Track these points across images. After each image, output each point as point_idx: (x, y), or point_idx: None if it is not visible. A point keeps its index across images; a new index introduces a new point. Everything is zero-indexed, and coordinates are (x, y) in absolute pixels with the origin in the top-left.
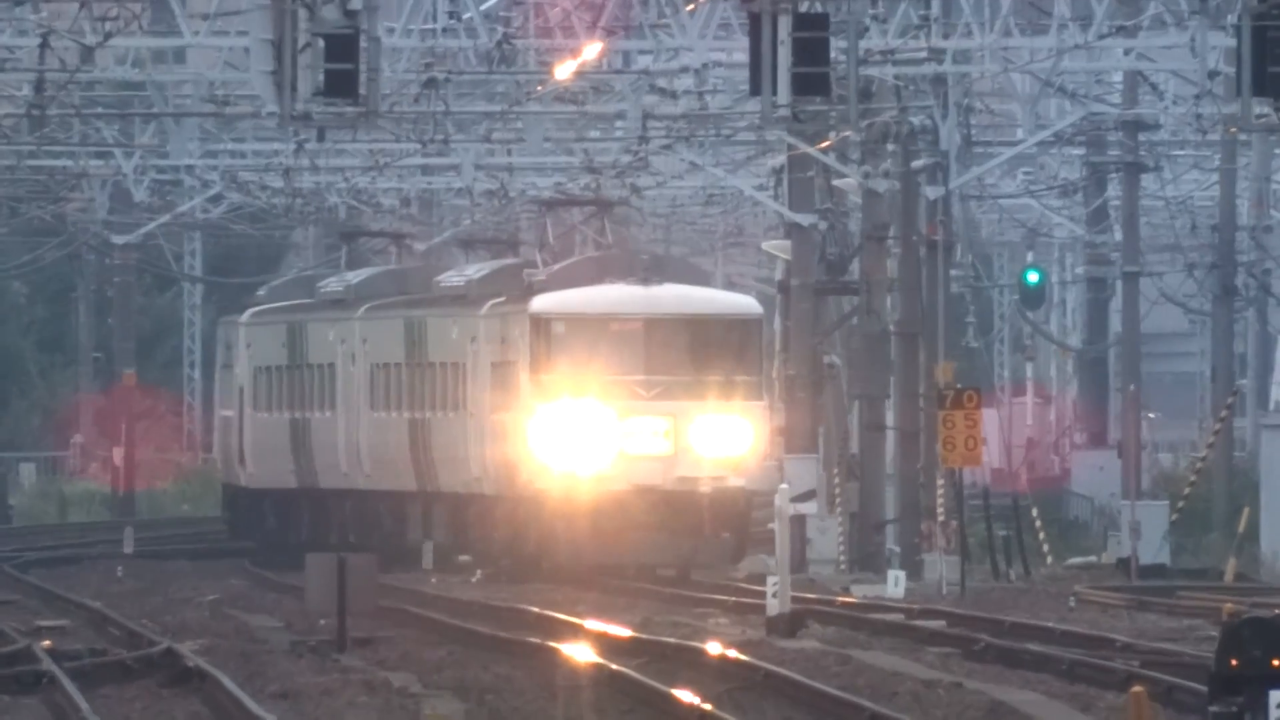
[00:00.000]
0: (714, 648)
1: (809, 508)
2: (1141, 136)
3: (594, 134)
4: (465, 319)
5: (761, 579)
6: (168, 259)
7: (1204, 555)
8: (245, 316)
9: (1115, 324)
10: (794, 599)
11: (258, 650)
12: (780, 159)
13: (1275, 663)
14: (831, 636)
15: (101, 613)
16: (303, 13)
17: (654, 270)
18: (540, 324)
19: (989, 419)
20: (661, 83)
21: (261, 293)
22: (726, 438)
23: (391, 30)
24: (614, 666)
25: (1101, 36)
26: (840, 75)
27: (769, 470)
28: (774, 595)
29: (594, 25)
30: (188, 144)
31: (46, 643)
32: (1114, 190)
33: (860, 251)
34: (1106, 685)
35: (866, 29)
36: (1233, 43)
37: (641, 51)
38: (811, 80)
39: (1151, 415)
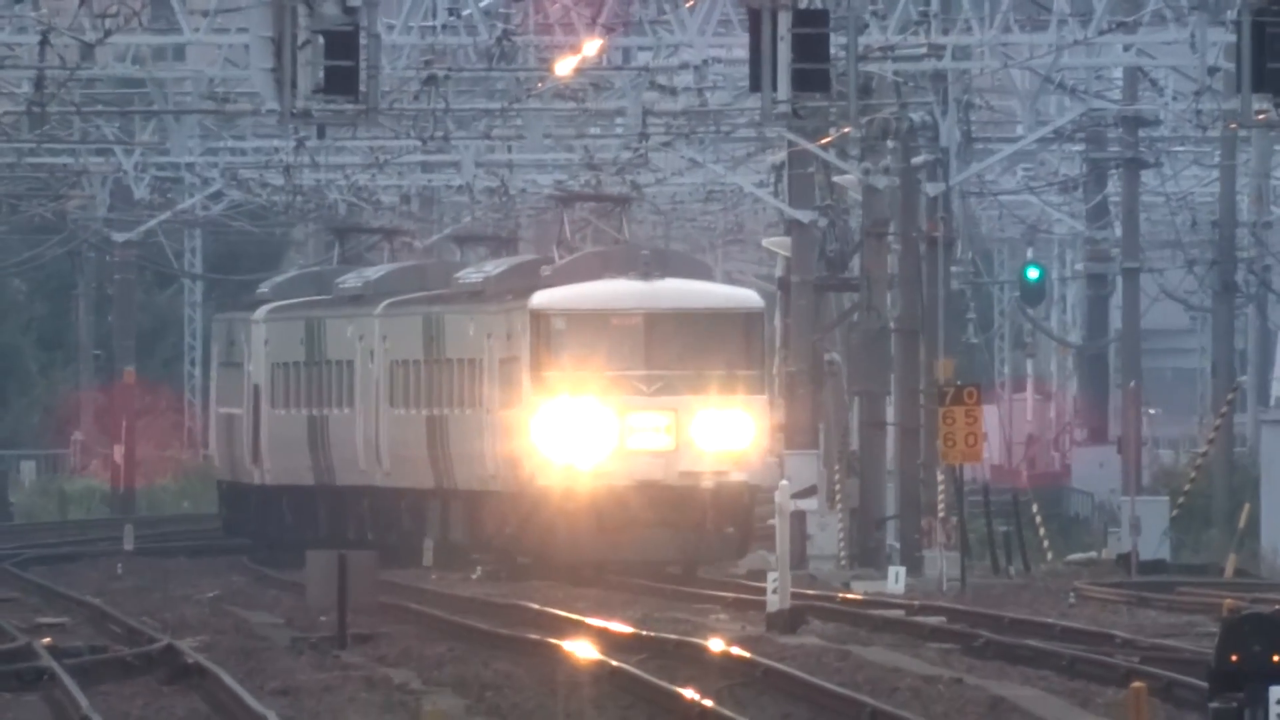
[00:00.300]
0: (714, 644)
1: (809, 504)
2: (1141, 132)
3: (594, 131)
4: (480, 316)
5: (762, 575)
6: (168, 256)
7: (1204, 551)
8: (262, 313)
9: (1115, 320)
10: (794, 595)
11: (258, 647)
12: (780, 155)
13: (1276, 658)
14: (832, 633)
15: (101, 610)
16: (302, 9)
17: (655, 265)
18: (540, 320)
19: (989, 415)
20: (661, 79)
21: (265, 290)
22: (728, 432)
23: (391, 27)
24: (614, 663)
25: (1101, 32)
26: (840, 71)
27: (771, 465)
28: (774, 591)
29: (594, 22)
30: (188, 141)
31: (47, 640)
32: (1114, 186)
33: (860, 248)
34: (1106, 681)
35: (866, 25)
36: (1232, 38)
37: (641, 48)
38: (811, 76)
39: (1152, 411)
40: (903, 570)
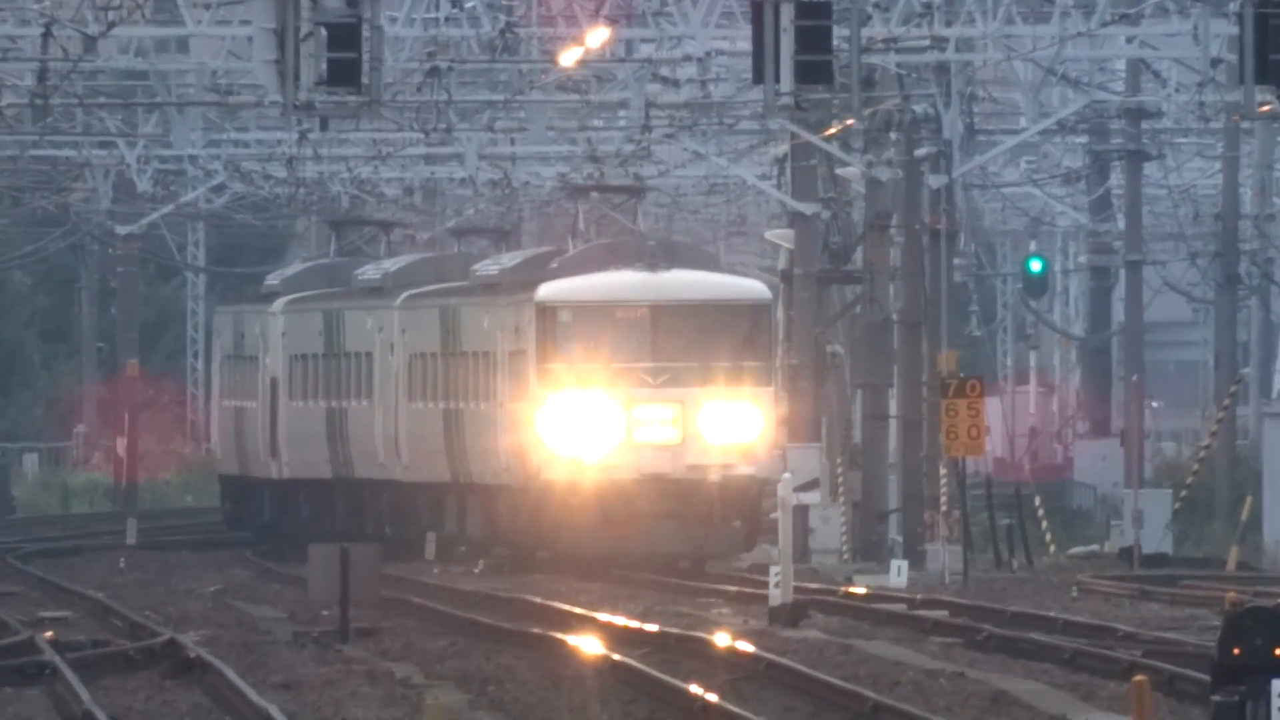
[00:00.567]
0: (717, 638)
1: (812, 497)
2: (1144, 124)
3: (597, 123)
4: (493, 308)
5: (764, 569)
6: (171, 249)
7: (1207, 544)
8: (279, 305)
9: (1118, 313)
10: (796, 589)
11: (260, 641)
12: (783, 148)
13: (1278, 652)
14: (834, 626)
15: (104, 604)
16: (305, 1)
17: (662, 256)
18: (546, 312)
19: (992, 408)
20: (664, 71)
21: (275, 283)
22: (736, 425)
23: (394, 19)
24: (616, 657)
25: (1104, 24)
26: (843, 64)
27: (778, 458)
28: (776, 585)
29: (596, 13)
30: (191, 134)
31: (49, 634)
32: (1117, 179)
33: (863, 240)
34: (1109, 675)
35: (869, 17)
36: (1235, 30)
37: (644, 40)
38: (814, 69)
39: (1154, 404)
40: (905, 564)
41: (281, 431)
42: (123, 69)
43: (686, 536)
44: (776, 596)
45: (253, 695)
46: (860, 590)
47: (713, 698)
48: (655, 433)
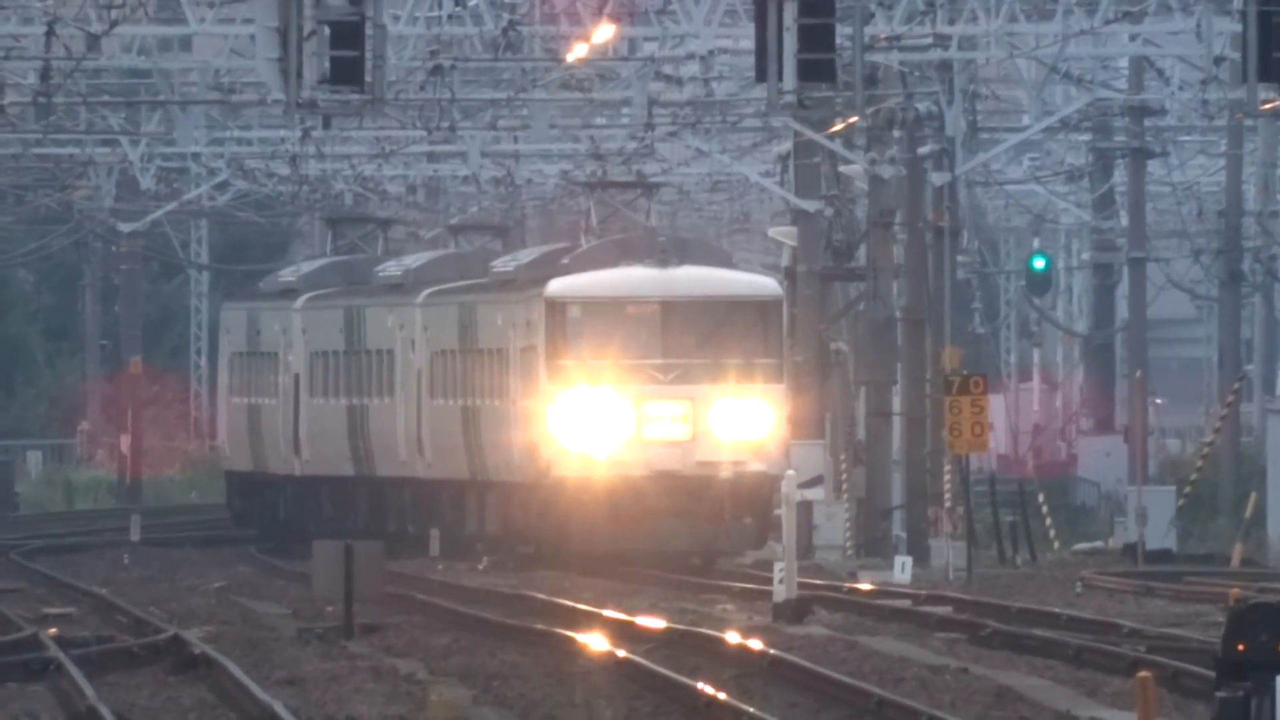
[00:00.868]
0: (721, 634)
1: (816, 494)
2: (1148, 122)
3: (600, 121)
4: (506, 305)
5: (768, 565)
6: (174, 246)
7: (1210, 540)
8: (301, 301)
9: (1122, 310)
10: (800, 585)
11: (264, 637)
12: (786, 145)
13: None
14: (838, 622)
15: (108, 600)
16: (308, 0)
17: (673, 252)
18: (556, 308)
19: (995, 405)
20: (668, 69)
21: (292, 279)
22: (746, 422)
23: (397, 17)
24: (621, 653)
25: (1107, 22)
26: (846, 62)
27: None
28: (781, 581)
29: (600, 11)
30: (194, 131)
31: (53, 630)
32: (1120, 176)
33: (866, 238)
34: (1113, 670)
35: (872, 15)
36: (1239, 28)
37: (647, 38)
38: (817, 67)
39: (1158, 401)
40: (909, 560)
41: (303, 428)
42: (126, 67)
43: (697, 534)
44: (781, 592)
45: (257, 691)
46: (866, 586)
47: (716, 693)
48: (665, 429)
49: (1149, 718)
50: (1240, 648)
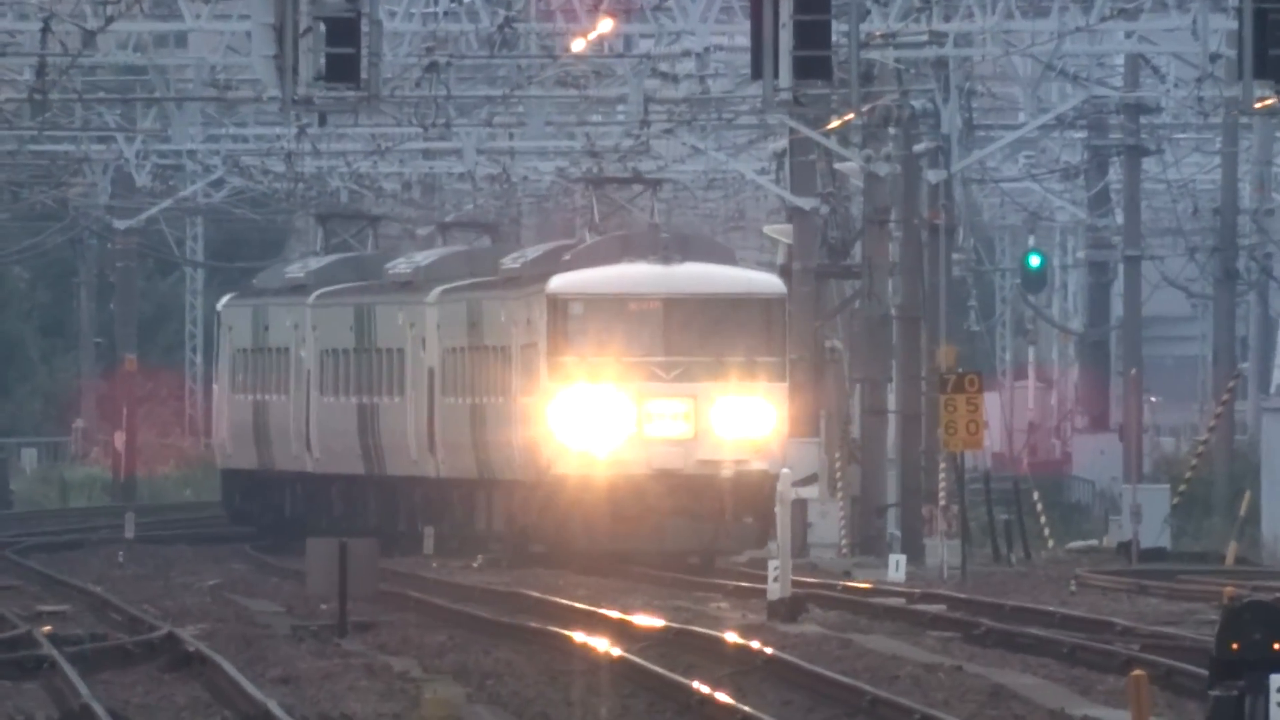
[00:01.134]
0: (715, 632)
1: (810, 492)
2: (1143, 120)
3: (595, 118)
4: (509, 302)
5: (763, 563)
6: (169, 244)
7: (1205, 539)
8: (312, 298)
9: (1117, 307)
10: (795, 583)
11: (259, 635)
12: (782, 143)
13: (1276, 646)
14: (832, 621)
15: (102, 598)
16: None
17: (675, 248)
18: (557, 304)
19: (990, 403)
20: (663, 66)
21: (300, 275)
22: (748, 420)
23: (393, 14)
24: (615, 651)
25: (1103, 19)
26: (842, 59)
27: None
28: (775, 580)
29: (595, 8)
30: (189, 128)
31: (47, 628)
32: (1115, 173)
33: (862, 235)
34: (1107, 669)
35: (868, 12)
36: (1234, 25)
37: (643, 35)
38: (813, 64)
39: (1153, 399)
40: (903, 558)
41: (313, 426)
42: (121, 64)
43: (698, 532)
44: (775, 591)
45: (251, 689)
46: (862, 585)
47: (710, 692)
48: (667, 427)
49: (1143, 716)
50: (1234, 646)
